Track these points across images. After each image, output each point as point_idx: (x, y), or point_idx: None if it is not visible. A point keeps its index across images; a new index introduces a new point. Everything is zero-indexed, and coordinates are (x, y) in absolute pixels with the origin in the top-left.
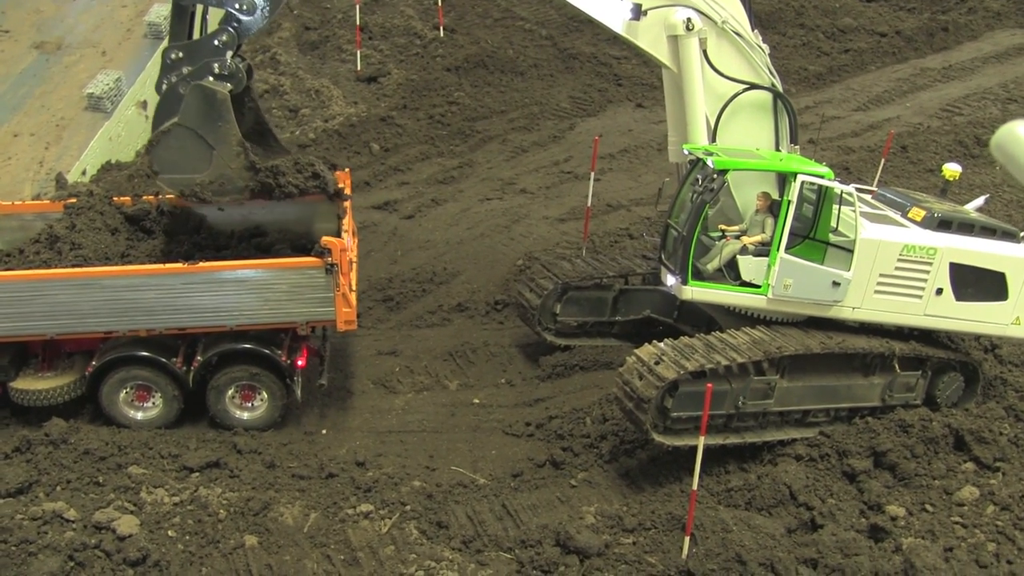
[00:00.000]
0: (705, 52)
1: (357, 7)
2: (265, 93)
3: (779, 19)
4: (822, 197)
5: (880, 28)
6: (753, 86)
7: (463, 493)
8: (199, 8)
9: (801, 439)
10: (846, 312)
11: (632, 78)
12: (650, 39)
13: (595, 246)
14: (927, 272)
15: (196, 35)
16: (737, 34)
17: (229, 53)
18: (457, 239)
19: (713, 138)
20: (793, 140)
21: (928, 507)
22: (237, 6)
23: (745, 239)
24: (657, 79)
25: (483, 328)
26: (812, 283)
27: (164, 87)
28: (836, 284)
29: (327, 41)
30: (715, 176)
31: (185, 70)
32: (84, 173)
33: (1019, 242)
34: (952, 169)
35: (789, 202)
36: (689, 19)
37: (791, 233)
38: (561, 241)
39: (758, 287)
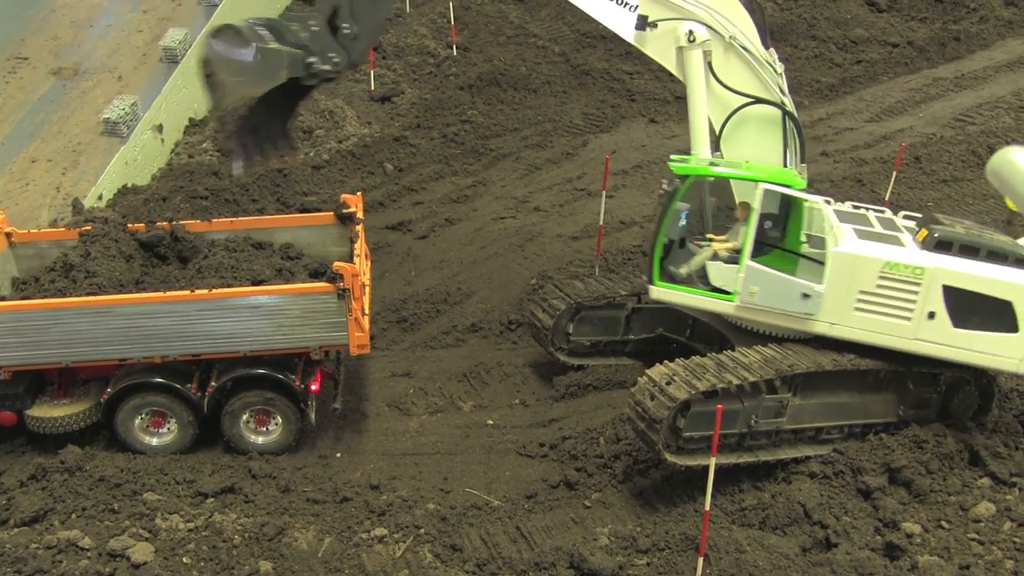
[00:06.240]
0: (710, 64)
1: None
2: None
3: (791, 31)
4: (789, 207)
5: (892, 39)
6: (759, 100)
7: (477, 515)
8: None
9: (815, 456)
10: (822, 327)
11: (645, 93)
12: (658, 49)
13: (608, 264)
14: (915, 293)
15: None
16: (745, 49)
17: (328, 67)
18: (471, 259)
19: (717, 148)
20: (802, 159)
21: (944, 524)
22: (347, 26)
23: (716, 245)
24: (670, 93)
25: (497, 348)
26: (779, 293)
27: (287, 23)
28: (806, 296)
29: None
30: (675, 180)
31: (304, 36)
32: (100, 198)
33: None
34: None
35: (754, 210)
36: (691, 31)
37: (761, 242)
38: (575, 259)
39: (730, 294)
